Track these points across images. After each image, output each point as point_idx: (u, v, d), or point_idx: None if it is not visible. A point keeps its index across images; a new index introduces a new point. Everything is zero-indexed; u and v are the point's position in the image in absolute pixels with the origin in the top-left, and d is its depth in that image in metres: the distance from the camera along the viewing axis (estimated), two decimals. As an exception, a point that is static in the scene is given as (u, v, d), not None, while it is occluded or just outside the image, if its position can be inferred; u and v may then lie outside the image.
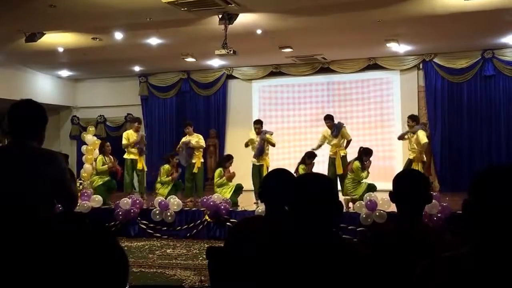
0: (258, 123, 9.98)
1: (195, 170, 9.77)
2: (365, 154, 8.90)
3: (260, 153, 9.70)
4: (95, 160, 10.06)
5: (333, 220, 1.95)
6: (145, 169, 10.32)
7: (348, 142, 9.67)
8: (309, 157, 9.31)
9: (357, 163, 8.79)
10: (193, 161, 9.82)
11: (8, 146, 2.94)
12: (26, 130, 2.77)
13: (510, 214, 1.31)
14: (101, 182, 9.57)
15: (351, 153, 9.51)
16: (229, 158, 9.63)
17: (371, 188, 8.68)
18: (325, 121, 9.70)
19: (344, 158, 9.46)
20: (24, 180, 2.66)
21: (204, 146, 10.28)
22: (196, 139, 9.97)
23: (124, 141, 9.95)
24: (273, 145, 9.95)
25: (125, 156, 9.99)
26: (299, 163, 9.36)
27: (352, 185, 8.82)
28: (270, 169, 9.21)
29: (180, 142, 9.99)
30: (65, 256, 0.92)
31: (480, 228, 1.37)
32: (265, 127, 10.10)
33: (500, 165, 1.42)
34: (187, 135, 9.99)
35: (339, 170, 9.31)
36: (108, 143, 10.05)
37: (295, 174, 8.74)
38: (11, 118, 2.79)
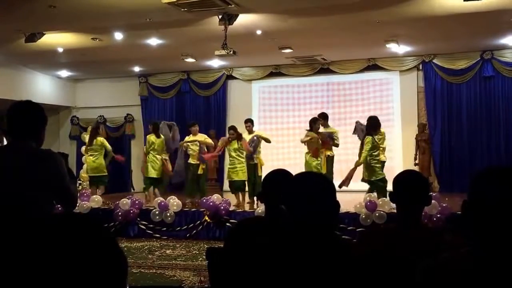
0: (249, 121, 9.76)
1: (200, 171, 9.60)
2: (373, 129, 8.46)
3: (251, 156, 9.35)
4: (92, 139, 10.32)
5: (331, 220, 1.95)
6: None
7: (337, 145, 9.31)
8: (314, 122, 8.98)
9: (369, 138, 8.30)
10: (197, 162, 9.67)
11: (7, 146, 2.94)
12: (26, 130, 2.77)
13: (509, 215, 1.32)
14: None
15: (337, 154, 9.31)
16: (229, 129, 9.56)
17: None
18: (319, 118, 9.38)
19: (330, 158, 9.06)
20: (24, 180, 2.66)
21: (213, 144, 10.18)
22: (202, 138, 9.87)
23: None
24: (269, 141, 9.58)
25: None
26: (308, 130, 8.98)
27: (374, 161, 8.35)
28: (264, 168, 9.19)
29: (184, 141, 9.86)
30: (63, 257, 0.92)
31: (479, 229, 1.38)
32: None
33: (499, 166, 1.43)
34: (191, 135, 9.88)
35: (323, 169, 8.81)
36: (102, 126, 10.30)
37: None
38: (11, 118, 2.80)
